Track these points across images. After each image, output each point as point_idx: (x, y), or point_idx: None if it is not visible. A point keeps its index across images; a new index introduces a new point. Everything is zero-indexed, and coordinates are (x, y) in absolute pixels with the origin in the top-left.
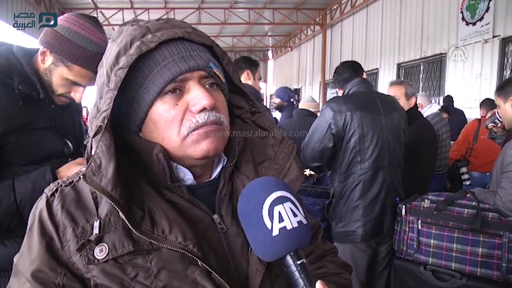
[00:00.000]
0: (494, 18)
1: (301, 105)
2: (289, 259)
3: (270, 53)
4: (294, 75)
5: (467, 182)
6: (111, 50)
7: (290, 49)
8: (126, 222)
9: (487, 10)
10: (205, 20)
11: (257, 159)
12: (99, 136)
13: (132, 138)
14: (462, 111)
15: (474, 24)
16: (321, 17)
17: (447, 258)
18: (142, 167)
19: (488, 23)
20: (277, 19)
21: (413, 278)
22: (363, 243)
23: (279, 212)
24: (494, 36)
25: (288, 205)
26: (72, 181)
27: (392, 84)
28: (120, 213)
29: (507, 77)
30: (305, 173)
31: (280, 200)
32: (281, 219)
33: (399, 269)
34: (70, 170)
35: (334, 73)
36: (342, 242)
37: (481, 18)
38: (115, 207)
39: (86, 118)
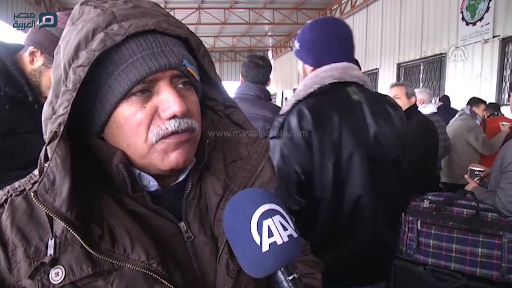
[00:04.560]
0: (494, 18)
1: None
2: (280, 275)
3: (270, 53)
4: (294, 75)
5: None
6: (70, 37)
7: (290, 49)
8: (84, 244)
9: (487, 10)
10: (205, 20)
11: (228, 158)
12: (54, 145)
13: (92, 140)
14: (457, 111)
15: (474, 24)
16: (321, 17)
17: (446, 258)
18: (102, 172)
19: (488, 23)
20: (277, 19)
21: (412, 278)
22: None
23: (268, 226)
24: (494, 36)
25: (277, 218)
26: (24, 189)
27: (394, 85)
28: (76, 236)
29: (507, 77)
30: None
31: (269, 214)
32: (270, 234)
33: (398, 270)
34: None
35: None
36: None
37: (481, 18)
38: (70, 230)
39: None
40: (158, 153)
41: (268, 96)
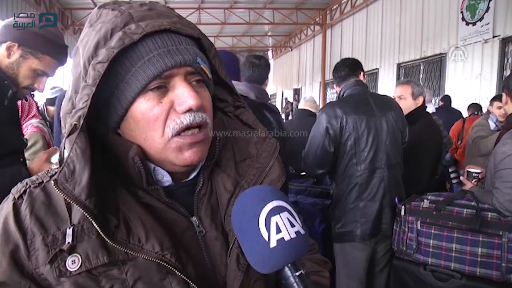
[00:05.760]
0: (494, 18)
1: (302, 105)
2: (287, 271)
3: (270, 53)
4: (294, 75)
5: (455, 181)
6: (89, 38)
7: (290, 49)
8: (101, 233)
9: (487, 10)
10: (205, 20)
11: (238, 156)
12: (74, 138)
13: (109, 135)
14: (459, 111)
15: (474, 24)
16: (321, 17)
17: (446, 258)
18: (118, 166)
19: (488, 23)
20: (277, 19)
21: (412, 278)
22: (361, 243)
23: (276, 223)
24: (494, 36)
25: (285, 215)
26: (42, 182)
27: (399, 84)
28: (94, 224)
29: None
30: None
31: (276, 210)
32: (278, 230)
33: (398, 269)
34: (42, 166)
35: (333, 68)
36: (341, 242)
37: (481, 18)
38: (89, 217)
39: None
40: (173, 149)
41: (265, 96)
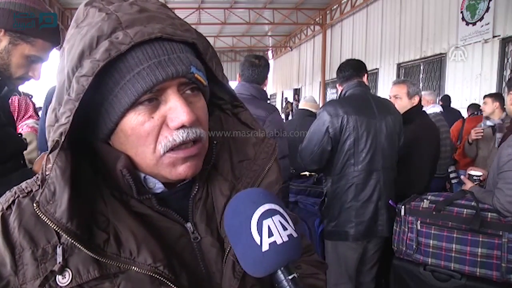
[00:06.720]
0: (494, 18)
1: (302, 105)
2: (280, 275)
3: (270, 53)
4: (294, 75)
5: (454, 180)
6: (74, 42)
7: (290, 49)
8: (88, 252)
9: (487, 10)
10: (205, 20)
11: (235, 158)
12: (54, 155)
13: (98, 144)
14: (458, 111)
15: (474, 24)
16: (321, 17)
17: (446, 258)
18: (108, 174)
19: (488, 23)
20: (277, 19)
21: (412, 278)
22: (354, 242)
23: (268, 226)
24: (494, 36)
25: (277, 218)
26: (31, 190)
27: (395, 83)
28: (80, 246)
29: (507, 77)
30: (305, 173)
31: (268, 214)
32: (270, 234)
33: (398, 270)
34: None
35: (338, 68)
36: (334, 240)
37: (481, 18)
38: (73, 241)
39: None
40: (166, 165)
41: (264, 96)
